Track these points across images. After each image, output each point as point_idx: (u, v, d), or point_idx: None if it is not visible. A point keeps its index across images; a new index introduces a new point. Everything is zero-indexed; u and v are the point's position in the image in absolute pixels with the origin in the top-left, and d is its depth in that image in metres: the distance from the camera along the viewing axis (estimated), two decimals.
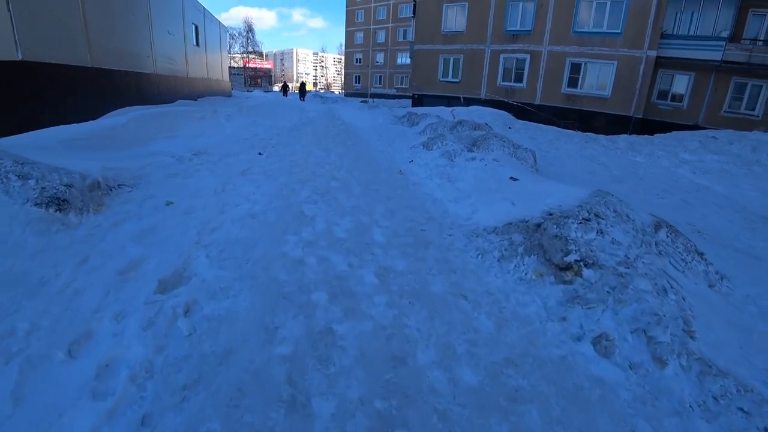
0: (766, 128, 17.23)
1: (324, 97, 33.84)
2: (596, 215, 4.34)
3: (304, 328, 2.68)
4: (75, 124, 8.46)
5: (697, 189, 10.78)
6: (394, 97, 43.45)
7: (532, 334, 2.96)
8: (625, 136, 16.25)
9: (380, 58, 47.04)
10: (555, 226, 4.00)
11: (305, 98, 34.40)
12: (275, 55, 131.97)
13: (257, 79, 69.77)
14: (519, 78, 21.74)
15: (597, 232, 4.04)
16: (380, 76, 47.39)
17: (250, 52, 61.49)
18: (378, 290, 3.24)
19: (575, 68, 20.53)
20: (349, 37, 50.24)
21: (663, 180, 11.37)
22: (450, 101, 23.46)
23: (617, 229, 4.29)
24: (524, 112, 21.05)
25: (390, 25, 45.46)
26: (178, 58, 23.33)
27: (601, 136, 15.81)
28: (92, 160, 5.89)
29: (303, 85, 36.13)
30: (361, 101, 30.88)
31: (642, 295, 3.40)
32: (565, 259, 3.62)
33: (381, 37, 46.71)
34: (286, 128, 11.92)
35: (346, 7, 49.79)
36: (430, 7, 23.34)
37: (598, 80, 20.24)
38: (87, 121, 10.31)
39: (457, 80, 23.12)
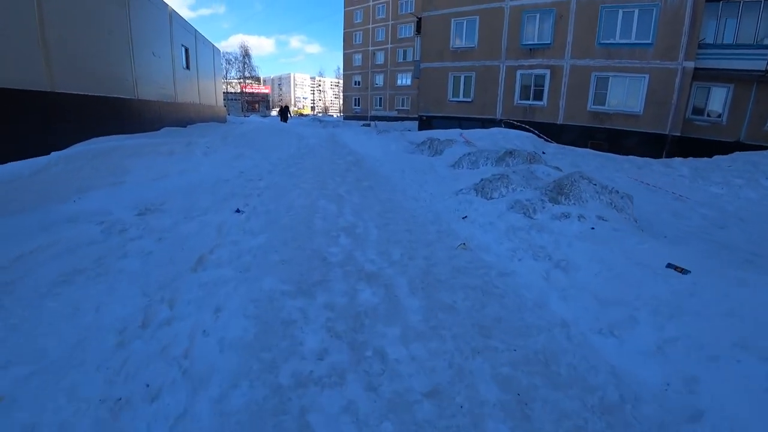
0: None
1: (323, 120, 31.00)
2: None
3: None
4: None
5: None
6: (395, 119, 40.77)
7: None
8: (680, 159, 13.39)
9: (380, 79, 44.50)
10: None
11: (288, 121, 31.52)
12: (273, 80, 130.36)
13: (255, 104, 67.43)
14: (538, 96, 19.00)
15: None
16: (380, 98, 44.78)
17: (247, 78, 59.15)
18: None
19: (602, 83, 17.84)
20: (347, 59, 47.84)
21: None
22: (462, 123, 20.67)
23: None
24: (546, 133, 18.27)
25: (389, 46, 43.07)
26: (166, 82, 20.59)
27: (653, 161, 12.99)
28: None
29: (286, 107, 33.27)
30: (363, 124, 28.11)
31: None
32: None
33: (380, 58, 44.25)
34: (280, 162, 8.94)
35: (344, 29, 47.50)
36: (437, 23, 20.72)
37: (628, 96, 17.52)
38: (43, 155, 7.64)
39: (470, 99, 20.38)
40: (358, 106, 47.21)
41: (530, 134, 15.31)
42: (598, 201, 5.40)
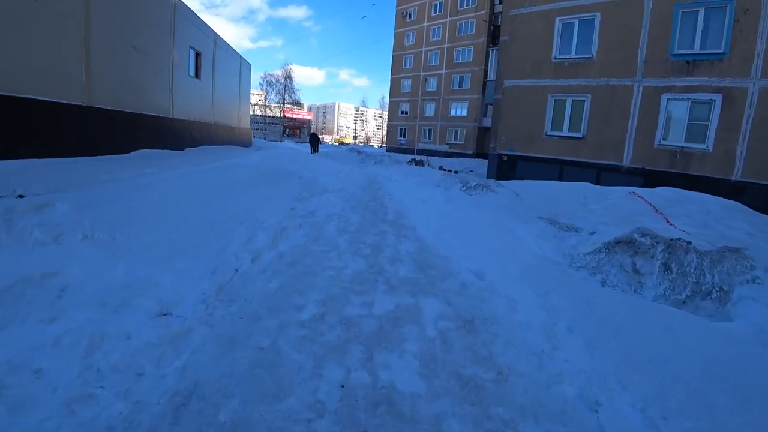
0: None
1: (362, 152, 24.52)
2: None
3: None
4: None
5: None
6: (448, 154, 34.09)
7: None
8: None
9: (430, 109, 38.27)
10: None
11: (317, 150, 25.97)
12: (318, 107, 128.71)
13: (296, 129, 63.14)
14: (699, 134, 11.81)
15: None
16: (430, 130, 38.41)
17: (288, 102, 54.87)
18: None
19: None
20: (395, 84, 42.16)
21: None
22: (563, 168, 13.69)
23: None
24: (711, 192, 10.93)
25: (443, 71, 37.01)
26: (155, 89, 15.08)
27: None
28: None
29: (315, 135, 27.76)
30: (412, 160, 21.56)
31: None
32: None
33: (432, 84, 38.20)
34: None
35: (393, 51, 42.01)
36: (533, 24, 14.15)
37: None
38: None
39: (579, 135, 13.41)
40: (404, 137, 41.00)
41: (738, 205, 8.02)
42: None
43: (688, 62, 11.82)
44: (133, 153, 13.29)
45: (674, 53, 11.96)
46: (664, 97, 12.12)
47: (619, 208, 7.46)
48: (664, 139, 12.24)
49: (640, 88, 12.42)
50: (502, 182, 7.19)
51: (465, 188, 6.27)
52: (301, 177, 7.50)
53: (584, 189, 8.94)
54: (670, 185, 11.53)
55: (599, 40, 12.97)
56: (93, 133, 11.41)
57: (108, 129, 12.15)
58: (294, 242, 3.89)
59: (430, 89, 38.43)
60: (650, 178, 12.27)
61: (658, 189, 8.62)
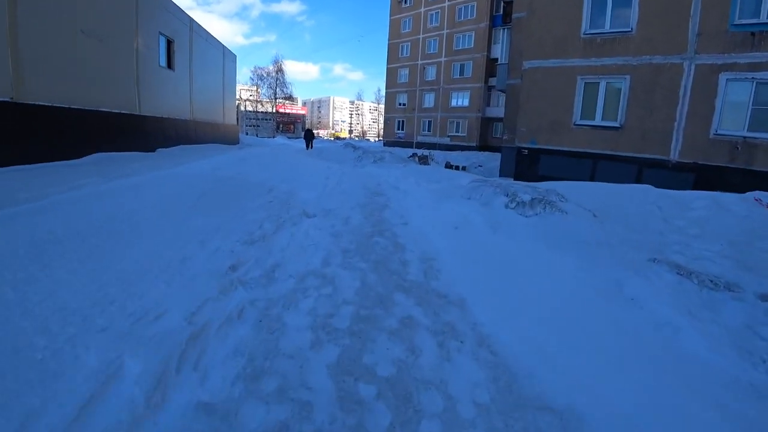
0: None
1: (358, 147, 21.59)
2: None
3: None
4: None
5: None
6: (448, 147, 31.79)
7: None
8: None
9: (430, 99, 35.85)
10: None
11: (312, 146, 25.54)
12: (313, 102, 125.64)
13: (290, 124, 60.62)
14: (766, 122, 9.67)
15: None
16: (429, 122, 36.02)
17: (283, 98, 52.23)
18: None
19: None
20: (391, 75, 39.61)
21: None
22: (597, 162, 11.53)
23: None
24: None
25: (443, 59, 34.51)
26: (116, 83, 12.78)
27: None
28: None
29: (309, 131, 27.62)
30: (414, 155, 19.22)
31: None
32: None
33: (431, 73, 35.70)
34: None
35: (389, 40, 39.37)
36: None
37: None
38: None
39: (616, 124, 11.21)
40: (402, 130, 38.57)
41: None
42: None
43: (752, 34, 9.61)
44: (85, 158, 11.05)
45: (735, 23, 9.74)
46: (723, 77, 9.92)
47: (717, 224, 5.31)
48: (720, 128, 10.07)
49: (692, 67, 10.21)
50: (559, 190, 5.03)
51: (514, 205, 4.02)
52: (271, 190, 5.20)
53: (648, 194, 6.77)
54: (730, 183, 9.45)
55: (640, 10, 10.73)
56: (25, 136, 9.17)
57: (48, 130, 9.90)
58: (206, 390, 1.59)
59: (429, 78, 35.96)
60: (704, 175, 10.16)
61: (749, 195, 6.46)
